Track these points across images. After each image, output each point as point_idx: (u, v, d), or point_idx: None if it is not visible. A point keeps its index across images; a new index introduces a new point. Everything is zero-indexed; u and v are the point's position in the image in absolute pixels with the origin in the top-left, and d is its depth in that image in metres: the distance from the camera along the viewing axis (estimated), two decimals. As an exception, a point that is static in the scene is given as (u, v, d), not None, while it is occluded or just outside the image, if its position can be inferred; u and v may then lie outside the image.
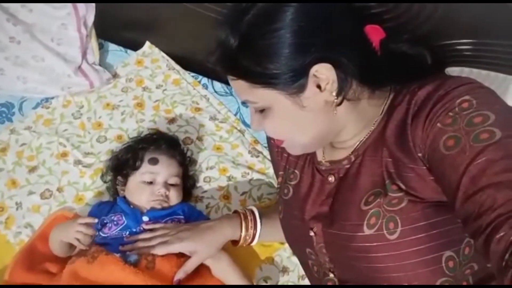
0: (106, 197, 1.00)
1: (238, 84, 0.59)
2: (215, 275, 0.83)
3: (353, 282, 0.63)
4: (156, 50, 1.29)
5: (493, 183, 0.45)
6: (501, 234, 0.43)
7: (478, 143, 0.48)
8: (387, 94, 0.63)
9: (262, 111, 0.61)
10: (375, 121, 0.62)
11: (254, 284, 0.90)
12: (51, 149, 1.08)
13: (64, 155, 1.08)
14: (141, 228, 0.84)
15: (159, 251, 0.78)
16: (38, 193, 1.01)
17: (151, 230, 0.83)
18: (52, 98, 1.19)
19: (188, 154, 1.04)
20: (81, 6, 1.19)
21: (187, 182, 0.99)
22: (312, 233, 0.67)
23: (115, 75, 1.25)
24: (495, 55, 0.73)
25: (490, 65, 0.75)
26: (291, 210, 0.72)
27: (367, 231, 0.57)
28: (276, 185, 0.92)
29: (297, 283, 0.93)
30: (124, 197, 0.92)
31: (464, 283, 0.56)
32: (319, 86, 0.57)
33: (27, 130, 1.12)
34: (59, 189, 1.02)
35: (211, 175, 1.05)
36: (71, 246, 0.86)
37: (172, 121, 1.15)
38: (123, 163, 0.94)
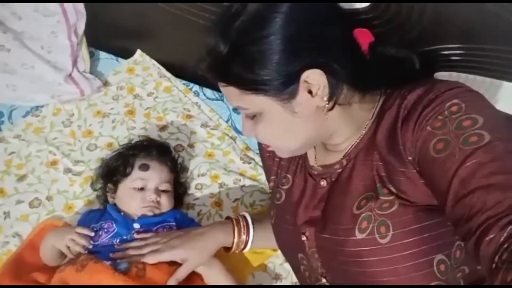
0: (96, 206, 0.99)
1: (229, 91, 0.59)
2: (207, 283, 0.82)
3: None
4: (147, 58, 1.29)
5: (482, 185, 0.46)
6: (491, 236, 0.43)
7: (468, 146, 0.48)
8: (377, 98, 0.63)
9: (253, 117, 0.61)
10: (366, 125, 0.62)
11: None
12: (40, 158, 1.08)
13: (54, 163, 1.07)
14: (132, 236, 0.83)
15: (150, 259, 0.77)
16: (27, 202, 1.00)
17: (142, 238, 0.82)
18: (42, 106, 1.18)
19: (180, 161, 1.04)
20: (71, 14, 1.19)
21: (179, 189, 0.99)
22: (304, 238, 0.66)
23: (106, 83, 1.25)
24: (483, 60, 0.74)
25: (478, 70, 0.76)
26: (283, 215, 0.72)
27: (358, 235, 0.57)
28: (268, 191, 0.92)
29: (290, 291, 0.92)
30: (115, 204, 0.91)
31: (456, 287, 0.56)
32: (310, 92, 0.57)
33: (16, 139, 1.11)
34: (48, 198, 1.01)
35: (203, 182, 1.05)
36: (62, 255, 0.84)
37: (163, 128, 1.15)
38: (113, 170, 0.93)
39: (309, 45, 0.55)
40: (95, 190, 0.99)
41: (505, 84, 0.75)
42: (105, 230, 0.84)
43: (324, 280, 0.66)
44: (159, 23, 1.20)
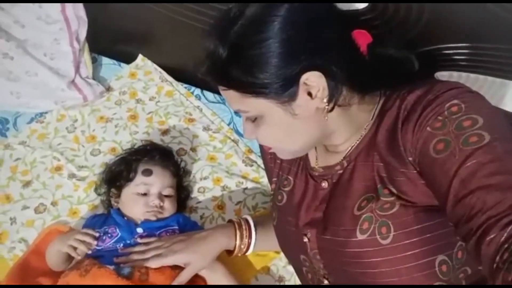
0: (100, 210, 1.00)
1: (229, 94, 0.59)
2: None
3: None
4: (149, 62, 1.30)
5: (483, 185, 0.46)
6: (492, 236, 0.43)
7: (468, 146, 0.48)
8: (377, 99, 0.63)
9: (254, 120, 0.61)
10: (366, 126, 0.63)
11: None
12: (45, 163, 1.08)
13: (58, 169, 1.07)
14: (136, 240, 0.84)
15: (153, 264, 0.77)
16: (32, 208, 1.01)
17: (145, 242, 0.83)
18: (46, 112, 1.19)
19: (182, 165, 1.04)
20: (73, 21, 1.20)
21: (181, 193, 0.99)
22: (305, 239, 0.66)
23: (108, 88, 1.26)
24: (483, 59, 0.74)
25: (479, 69, 0.76)
26: (285, 217, 0.72)
27: (360, 236, 0.57)
28: (270, 194, 0.92)
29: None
30: (118, 208, 0.91)
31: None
32: (310, 94, 0.57)
33: (21, 145, 1.12)
34: (53, 203, 1.02)
35: (205, 185, 1.05)
36: (67, 260, 0.85)
37: (165, 132, 1.15)
38: (116, 175, 0.94)
39: (308, 48, 0.55)
40: (99, 195, 1.00)
41: (511, 83, 0.75)
42: (109, 234, 0.84)
43: (326, 282, 0.66)
44: (160, 28, 1.21)
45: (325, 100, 0.57)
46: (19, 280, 0.86)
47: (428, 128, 0.52)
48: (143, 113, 1.19)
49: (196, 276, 0.81)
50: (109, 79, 1.28)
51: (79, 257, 0.82)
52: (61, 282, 0.77)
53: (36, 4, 1.20)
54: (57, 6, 1.20)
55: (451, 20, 0.71)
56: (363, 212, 0.58)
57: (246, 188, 1.05)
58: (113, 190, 0.94)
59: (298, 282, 0.90)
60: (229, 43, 0.55)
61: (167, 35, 1.21)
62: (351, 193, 0.61)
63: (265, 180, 1.03)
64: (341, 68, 0.56)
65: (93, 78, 1.24)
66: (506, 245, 0.42)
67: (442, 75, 0.79)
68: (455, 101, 0.52)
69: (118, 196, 0.93)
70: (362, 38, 0.61)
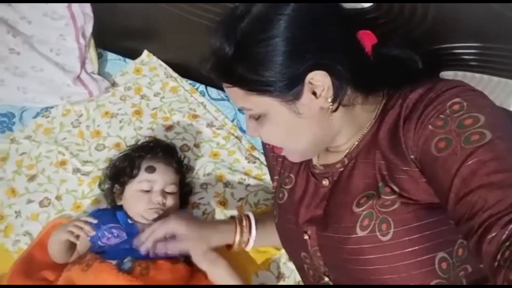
0: (104, 205, 1.00)
1: (233, 92, 0.60)
2: (212, 282, 0.82)
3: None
4: (154, 58, 1.30)
5: (484, 184, 0.46)
6: (493, 234, 0.43)
7: (469, 144, 0.48)
8: (380, 99, 0.63)
9: (258, 117, 0.61)
10: (368, 125, 0.63)
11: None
12: (50, 158, 1.09)
13: (63, 163, 1.08)
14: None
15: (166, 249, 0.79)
16: (37, 202, 1.02)
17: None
18: (52, 107, 1.20)
19: (185, 161, 1.05)
20: (79, 17, 1.21)
21: (184, 189, 1.00)
22: (306, 237, 0.67)
23: (113, 84, 1.26)
24: (488, 59, 0.74)
25: (484, 69, 0.76)
26: (286, 214, 0.73)
27: (360, 233, 0.57)
28: (272, 191, 0.93)
29: (294, 290, 0.93)
30: (123, 209, 0.91)
31: (458, 285, 0.56)
32: (314, 93, 0.57)
33: (27, 139, 1.13)
34: (58, 197, 1.03)
35: (208, 181, 1.06)
36: (69, 249, 0.85)
37: (169, 128, 1.16)
38: (120, 172, 0.94)
39: (313, 47, 0.55)
40: (102, 190, 1.00)
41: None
42: (115, 235, 0.85)
43: (326, 279, 0.66)
44: (165, 24, 1.21)
45: (329, 100, 0.57)
46: (24, 272, 0.87)
47: (429, 126, 0.52)
48: (148, 108, 1.20)
49: (198, 272, 0.82)
50: (114, 74, 1.29)
51: (78, 242, 0.82)
52: (63, 275, 0.77)
53: (43, 0, 1.21)
54: (63, 2, 1.21)
55: (456, 19, 0.71)
56: (363, 209, 0.58)
57: (248, 185, 1.05)
58: (116, 186, 0.95)
59: (298, 279, 0.91)
60: (235, 41, 0.56)
61: (173, 31, 1.21)
62: (351, 190, 0.61)
63: (267, 177, 1.03)
64: (346, 68, 0.56)
65: (99, 74, 1.25)
66: (507, 243, 0.42)
67: (447, 74, 0.79)
68: (457, 100, 0.52)
69: (122, 192, 0.93)
70: (367, 39, 0.62)
